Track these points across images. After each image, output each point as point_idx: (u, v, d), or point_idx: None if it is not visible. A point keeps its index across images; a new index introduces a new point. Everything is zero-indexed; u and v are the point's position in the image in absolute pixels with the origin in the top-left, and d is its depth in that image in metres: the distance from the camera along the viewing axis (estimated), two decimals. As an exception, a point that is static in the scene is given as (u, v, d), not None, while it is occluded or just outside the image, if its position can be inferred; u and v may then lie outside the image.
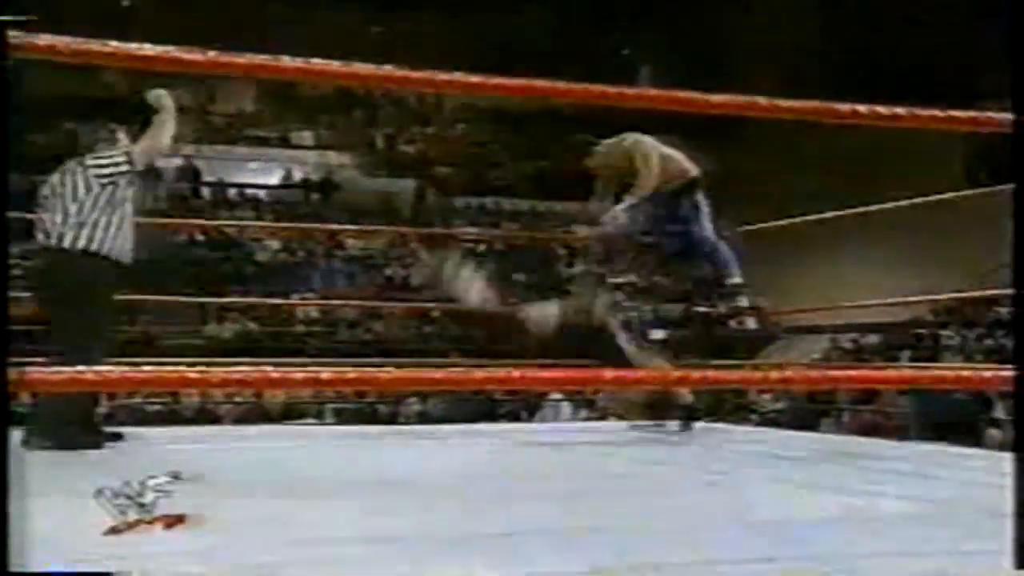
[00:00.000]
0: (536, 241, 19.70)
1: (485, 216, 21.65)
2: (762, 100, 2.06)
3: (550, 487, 3.47)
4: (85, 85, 20.43)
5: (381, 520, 2.65)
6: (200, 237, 18.70)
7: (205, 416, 12.06)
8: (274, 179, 21.90)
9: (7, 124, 1.49)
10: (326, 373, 1.88)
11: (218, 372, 1.72)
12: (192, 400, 12.35)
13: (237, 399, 12.45)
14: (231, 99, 22.76)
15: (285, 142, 22.68)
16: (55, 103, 20.23)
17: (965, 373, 1.90)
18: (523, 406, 12.29)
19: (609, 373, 2.36)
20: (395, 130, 23.74)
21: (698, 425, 5.20)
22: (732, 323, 5.79)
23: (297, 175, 22.11)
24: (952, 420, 10.38)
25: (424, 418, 11.40)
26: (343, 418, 11.33)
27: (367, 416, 11.58)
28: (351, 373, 1.88)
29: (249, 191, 21.20)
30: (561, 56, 15.10)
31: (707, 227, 5.27)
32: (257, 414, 12.22)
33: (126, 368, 1.73)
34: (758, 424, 10.11)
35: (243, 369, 1.76)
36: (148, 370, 1.70)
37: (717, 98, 2.03)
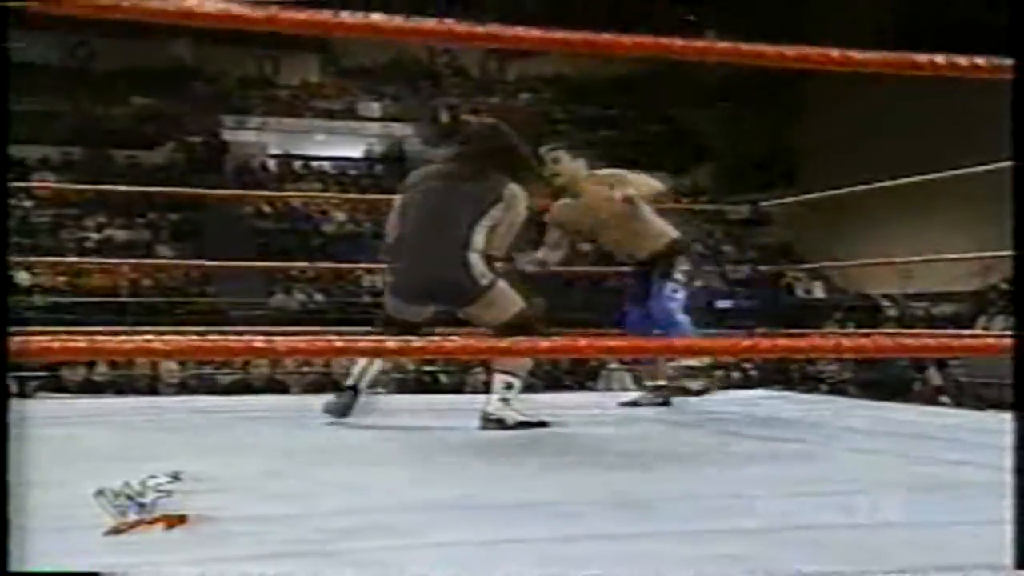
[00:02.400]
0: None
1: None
2: (834, 52, 1.98)
3: (610, 458, 3.46)
4: (153, 57, 20.64)
5: (426, 490, 2.66)
6: (267, 209, 18.86)
7: (275, 386, 12.18)
8: (340, 151, 22.00)
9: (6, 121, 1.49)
10: (392, 342, 1.88)
11: (283, 340, 1.73)
12: (262, 371, 12.48)
13: (304, 369, 12.58)
14: (296, 71, 22.86)
15: (351, 114, 22.75)
16: (124, 76, 20.51)
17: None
18: (585, 375, 12.26)
19: (677, 341, 2.33)
20: (459, 100, 23.69)
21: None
22: (800, 292, 5.75)
23: (363, 147, 22.19)
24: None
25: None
26: (405, 388, 11.36)
27: (428, 386, 11.59)
28: (417, 342, 1.89)
29: (315, 163, 21.32)
30: (625, 23, 14.91)
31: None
32: (325, 384, 12.32)
33: (194, 337, 1.74)
34: (827, 393, 10.03)
35: (309, 338, 1.76)
36: (213, 339, 1.71)
37: (789, 51, 1.95)
